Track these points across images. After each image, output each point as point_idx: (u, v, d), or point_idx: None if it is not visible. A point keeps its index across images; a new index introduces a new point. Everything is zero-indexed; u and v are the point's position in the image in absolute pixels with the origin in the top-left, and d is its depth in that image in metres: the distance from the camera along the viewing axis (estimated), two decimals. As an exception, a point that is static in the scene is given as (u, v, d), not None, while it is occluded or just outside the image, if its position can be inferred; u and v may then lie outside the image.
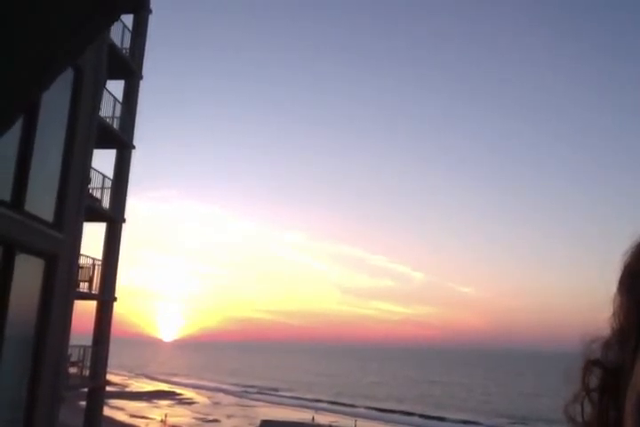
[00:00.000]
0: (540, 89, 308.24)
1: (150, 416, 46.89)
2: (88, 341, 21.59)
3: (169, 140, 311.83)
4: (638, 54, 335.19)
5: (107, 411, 30.76)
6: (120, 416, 46.12)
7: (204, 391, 70.71)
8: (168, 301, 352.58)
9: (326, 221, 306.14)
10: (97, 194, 20.80)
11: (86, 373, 20.75)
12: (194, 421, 46.67)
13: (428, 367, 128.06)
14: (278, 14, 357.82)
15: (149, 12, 24.31)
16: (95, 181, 20.16)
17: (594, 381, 0.77)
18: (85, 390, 21.46)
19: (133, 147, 23.05)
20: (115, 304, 22.08)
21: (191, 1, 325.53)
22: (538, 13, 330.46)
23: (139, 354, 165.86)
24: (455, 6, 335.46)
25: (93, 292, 20.82)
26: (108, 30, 16.76)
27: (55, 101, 12.90)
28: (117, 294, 22.16)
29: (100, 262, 21.27)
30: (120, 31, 21.70)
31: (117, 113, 21.93)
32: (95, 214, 19.65)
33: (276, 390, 74.87)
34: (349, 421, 45.10)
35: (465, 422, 52.90)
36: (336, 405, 60.77)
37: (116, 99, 21.79)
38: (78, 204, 14.59)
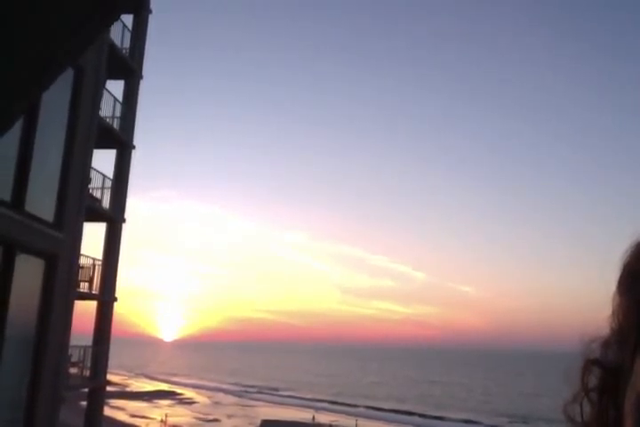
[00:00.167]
0: (540, 89, 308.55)
1: (151, 416, 46.87)
2: (88, 341, 21.58)
3: (169, 140, 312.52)
4: (638, 54, 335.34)
5: (107, 411, 30.76)
6: (120, 416, 46.13)
7: (204, 391, 70.71)
8: (168, 301, 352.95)
9: (326, 221, 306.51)
10: (97, 194, 20.79)
11: (87, 373, 20.75)
12: (194, 421, 46.68)
13: (428, 367, 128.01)
14: (278, 14, 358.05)
15: (149, 12, 24.30)
16: (95, 181, 20.16)
17: (593, 381, 0.77)
18: (86, 390, 21.45)
19: (133, 147, 23.04)
20: (115, 304, 22.07)
21: (191, 1, 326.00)
22: (538, 13, 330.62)
23: (139, 354, 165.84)
24: (455, 6, 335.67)
25: (94, 292, 20.81)
26: (108, 30, 16.76)
27: (55, 101, 12.89)
28: (118, 294, 22.17)
29: (100, 262, 21.27)
30: (120, 31, 21.70)
31: (117, 113, 21.93)
32: (95, 214, 19.64)
33: (277, 389, 74.88)
34: (350, 420, 45.09)
35: (465, 421, 52.90)
36: (336, 405, 60.78)
37: (116, 99, 21.79)
38: (78, 204, 14.59)
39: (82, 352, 20.47)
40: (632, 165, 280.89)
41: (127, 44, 22.76)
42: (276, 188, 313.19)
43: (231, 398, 64.77)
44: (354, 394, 69.25)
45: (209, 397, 65.56)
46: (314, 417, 43.40)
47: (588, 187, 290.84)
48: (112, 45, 19.61)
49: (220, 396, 67.11)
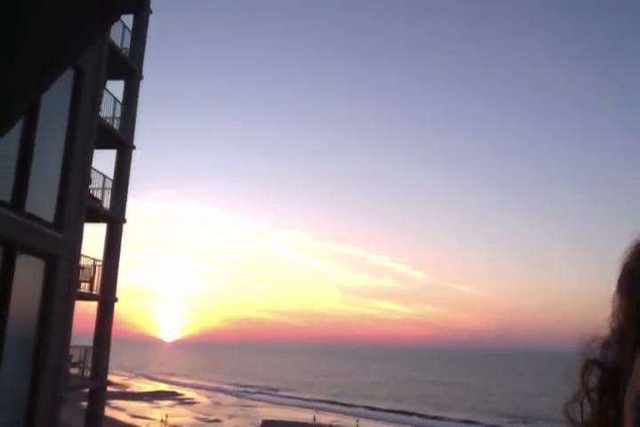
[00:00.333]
0: (540, 89, 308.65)
1: (151, 417, 46.89)
2: (89, 341, 21.57)
3: (169, 141, 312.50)
4: (638, 54, 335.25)
5: (108, 411, 30.77)
6: (121, 417, 46.14)
7: (204, 391, 70.72)
8: (168, 301, 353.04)
9: (326, 221, 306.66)
10: (97, 194, 20.78)
11: (87, 373, 20.74)
12: (195, 421, 46.69)
13: (428, 367, 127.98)
14: (278, 14, 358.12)
15: (149, 12, 24.28)
16: (96, 182, 20.15)
17: (593, 380, 0.77)
18: (86, 390, 21.46)
19: (134, 147, 23.02)
20: (115, 305, 22.06)
21: (191, 1, 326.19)
22: (538, 13, 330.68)
23: (139, 354, 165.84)
24: (455, 6, 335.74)
25: (94, 292, 20.81)
26: (108, 30, 16.75)
27: (55, 102, 12.89)
28: (118, 294, 22.16)
29: (100, 263, 21.26)
30: (120, 31, 21.69)
31: (118, 113, 21.91)
32: (96, 215, 19.64)
33: (277, 390, 74.88)
34: (350, 420, 45.11)
35: (465, 421, 52.88)
36: (336, 405, 60.78)
37: (116, 99, 21.78)
38: (79, 204, 14.58)
39: (82, 353, 20.47)
40: (632, 165, 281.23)
41: (127, 44, 22.75)
42: (275, 188, 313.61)
43: (231, 399, 64.78)
44: (354, 394, 69.25)
45: (209, 397, 65.57)
46: (315, 417, 43.41)
47: (588, 187, 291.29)
48: (112, 45, 19.59)
49: (221, 396, 67.12)
